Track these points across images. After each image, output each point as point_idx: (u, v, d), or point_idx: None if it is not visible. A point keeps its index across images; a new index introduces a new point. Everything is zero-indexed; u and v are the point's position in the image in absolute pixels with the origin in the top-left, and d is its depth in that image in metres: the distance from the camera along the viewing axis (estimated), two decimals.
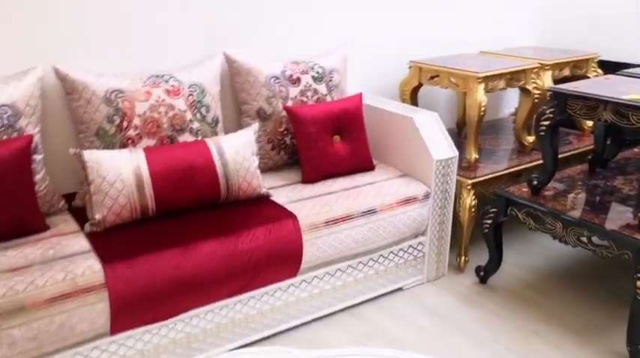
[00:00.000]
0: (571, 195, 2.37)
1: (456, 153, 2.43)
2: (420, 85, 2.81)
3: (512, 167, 2.69)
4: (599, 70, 3.02)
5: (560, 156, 2.84)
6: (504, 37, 3.34)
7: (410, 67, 2.82)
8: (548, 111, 2.21)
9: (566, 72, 2.90)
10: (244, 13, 2.49)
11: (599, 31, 3.23)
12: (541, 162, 2.76)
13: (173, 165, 2.01)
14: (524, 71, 2.69)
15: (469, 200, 2.54)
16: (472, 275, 2.61)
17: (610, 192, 2.38)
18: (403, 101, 2.86)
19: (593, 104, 2.10)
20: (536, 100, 2.75)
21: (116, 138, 2.07)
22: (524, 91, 2.79)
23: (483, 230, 2.47)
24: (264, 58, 2.51)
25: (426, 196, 2.40)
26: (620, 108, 2.03)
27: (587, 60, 2.98)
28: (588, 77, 3.01)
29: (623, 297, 2.38)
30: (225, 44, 2.44)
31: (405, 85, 2.84)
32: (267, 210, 2.14)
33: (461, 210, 2.55)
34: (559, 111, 2.19)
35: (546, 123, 2.22)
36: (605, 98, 2.05)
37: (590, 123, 3.10)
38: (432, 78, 2.73)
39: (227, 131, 2.37)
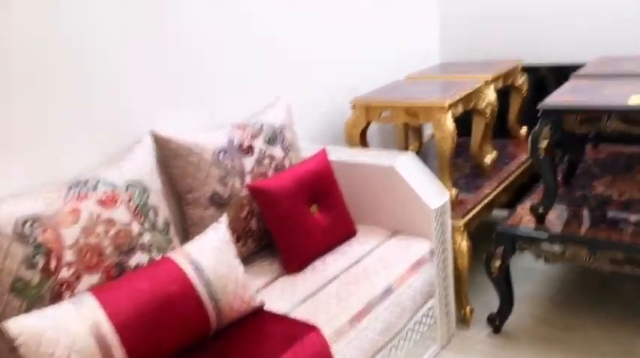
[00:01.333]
0: (575, 215, 2.17)
1: (448, 194, 2.11)
2: (369, 123, 2.46)
3: (490, 194, 2.44)
4: (525, 76, 2.94)
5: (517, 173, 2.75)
6: (413, 59, 3.14)
7: (354, 107, 2.45)
8: (544, 132, 1.98)
9: (500, 84, 2.76)
10: (164, 82, 1.92)
11: (497, 38, 3.16)
12: (509, 183, 2.61)
13: (140, 305, 1.39)
14: (474, 90, 2.47)
15: (465, 243, 2.23)
16: (482, 326, 2.30)
17: (604, 201, 2.23)
18: (353, 145, 2.48)
19: (595, 116, 1.92)
20: (488, 119, 2.55)
21: (44, 287, 1.39)
22: (474, 112, 2.58)
23: (491, 274, 2.18)
24: (200, 128, 1.97)
25: (432, 252, 2.04)
26: (630, 115, 1.86)
27: (514, 68, 2.87)
28: (517, 87, 2.91)
29: None
30: (149, 123, 1.85)
31: (353, 127, 2.46)
32: (273, 326, 1.60)
33: (459, 257, 2.23)
34: (556, 130, 1.98)
35: (544, 144, 1.99)
36: (611, 107, 1.88)
37: (524, 129, 3.01)
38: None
39: (177, 235, 1.78)
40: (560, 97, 2.05)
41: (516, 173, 2.67)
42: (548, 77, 3.06)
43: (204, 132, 1.92)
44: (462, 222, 2.22)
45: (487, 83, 2.57)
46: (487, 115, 2.55)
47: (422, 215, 2.03)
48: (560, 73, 2.97)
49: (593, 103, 1.93)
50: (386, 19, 2.95)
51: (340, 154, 2.20)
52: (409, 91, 2.50)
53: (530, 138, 2.02)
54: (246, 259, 1.95)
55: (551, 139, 1.98)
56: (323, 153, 2.07)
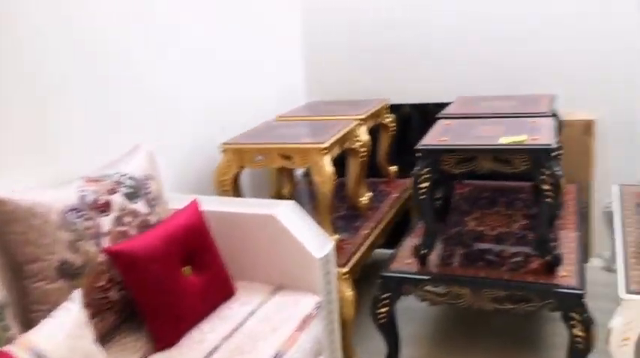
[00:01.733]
0: (454, 254, 2.16)
1: (332, 241, 1.99)
2: (241, 169, 2.28)
3: (369, 235, 2.38)
4: (391, 115, 2.97)
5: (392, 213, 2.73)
6: (280, 98, 3.04)
7: (224, 151, 2.26)
8: (424, 173, 1.96)
9: (371, 123, 2.75)
10: None
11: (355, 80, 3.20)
12: (386, 223, 2.57)
13: None
14: (348, 131, 2.42)
15: (350, 292, 2.12)
16: None
17: (478, 237, 2.26)
18: (224, 193, 2.28)
19: (471, 156, 1.93)
20: (362, 159, 2.51)
21: None
22: (348, 153, 2.52)
23: (378, 321, 2.09)
24: (44, 184, 1.65)
25: (319, 305, 1.89)
26: (500, 155, 1.90)
27: (383, 106, 2.88)
28: (385, 125, 2.92)
29: (538, 345, 2.28)
30: None
31: (223, 173, 2.26)
32: None
33: (345, 306, 2.11)
34: (435, 170, 1.96)
35: (426, 185, 1.96)
36: (486, 147, 1.90)
37: (394, 167, 3.03)
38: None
39: (17, 318, 1.44)
40: (435, 139, 2.04)
41: (391, 213, 2.65)
42: (411, 115, 3.14)
43: (48, 189, 1.60)
44: (346, 269, 2.11)
45: (360, 123, 2.53)
46: (362, 155, 2.50)
47: (306, 265, 1.89)
48: (420, 111, 3.07)
49: (468, 144, 1.94)
50: (251, 57, 2.82)
51: (214, 204, 1.98)
52: (282, 134, 2.37)
53: (413, 180, 1.98)
54: (104, 337, 1.64)
55: (432, 180, 1.96)
56: (194, 205, 1.85)
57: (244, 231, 1.94)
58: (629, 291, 1.67)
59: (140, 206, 1.77)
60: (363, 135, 2.53)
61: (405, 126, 3.09)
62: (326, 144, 2.13)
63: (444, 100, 2.75)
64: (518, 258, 2.04)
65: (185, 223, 1.77)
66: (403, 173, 2.96)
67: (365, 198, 2.61)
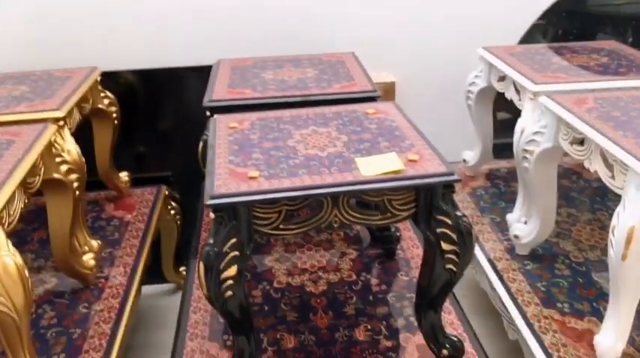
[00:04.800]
0: None
1: None
2: None
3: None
4: (109, 94, 1.80)
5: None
6: None
7: None
8: (227, 247, 0.96)
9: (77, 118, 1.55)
10: None
11: None
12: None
13: None
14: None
15: None
16: None
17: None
18: None
19: (310, 204, 1.00)
20: (77, 194, 1.36)
21: None
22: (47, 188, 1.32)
23: None
24: None
25: None
26: (365, 198, 1.02)
27: (93, 82, 1.68)
28: (102, 111, 1.74)
29: None
30: None
31: None
32: None
33: None
34: (241, 239, 0.98)
35: (232, 272, 0.98)
36: (337, 189, 0.99)
37: (124, 174, 1.91)
38: None
39: None
40: (236, 179, 1.04)
41: (139, 276, 1.57)
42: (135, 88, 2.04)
43: None
44: None
45: (60, 126, 1.35)
46: (74, 187, 1.34)
47: None
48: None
49: (306, 185, 1.00)
50: None
51: None
52: None
53: (203, 270, 0.96)
54: None
55: (240, 259, 0.98)
56: None
57: None
58: None
59: None
60: (70, 147, 1.36)
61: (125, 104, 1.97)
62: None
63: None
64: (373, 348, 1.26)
65: None
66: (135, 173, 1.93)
67: (89, 255, 1.47)
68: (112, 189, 1.89)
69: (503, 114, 2.23)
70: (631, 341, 1.26)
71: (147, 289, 2.08)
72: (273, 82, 1.55)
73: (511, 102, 1.64)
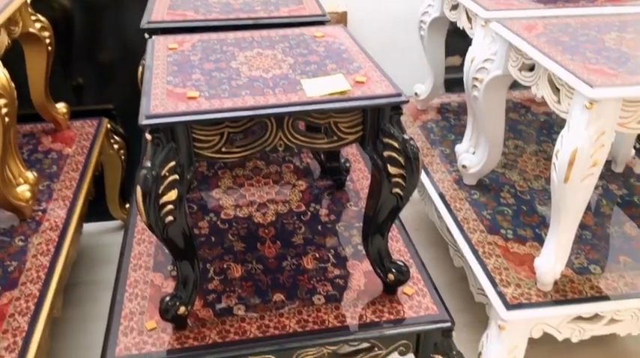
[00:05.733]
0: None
1: None
2: None
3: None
4: (42, 17, 1.67)
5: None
6: None
7: None
8: (166, 170, 0.92)
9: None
10: None
11: None
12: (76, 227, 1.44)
13: None
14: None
15: None
16: None
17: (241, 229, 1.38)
18: None
19: (252, 126, 0.96)
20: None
21: None
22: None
23: None
24: None
25: None
26: (312, 120, 0.98)
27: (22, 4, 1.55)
28: (33, 36, 1.62)
29: None
30: None
31: None
32: None
33: None
34: (181, 161, 0.94)
35: (171, 197, 0.93)
36: (282, 109, 0.94)
37: (62, 104, 1.81)
38: None
39: None
40: (175, 97, 0.99)
41: (78, 211, 1.51)
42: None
43: None
44: None
45: None
46: (2, 113, 1.26)
47: None
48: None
49: (246, 106, 0.95)
50: None
51: None
52: None
53: (141, 191, 0.92)
54: None
55: (180, 183, 0.94)
56: None
57: None
58: None
59: None
60: None
61: (60, 32, 1.85)
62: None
63: None
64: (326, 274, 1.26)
65: None
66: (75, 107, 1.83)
67: (24, 187, 1.40)
68: (50, 121, 1.79)
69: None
70: (570, 264, 1.30)
71: (93, 226, 2.02)
72: (217, 5, 1.47)
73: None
